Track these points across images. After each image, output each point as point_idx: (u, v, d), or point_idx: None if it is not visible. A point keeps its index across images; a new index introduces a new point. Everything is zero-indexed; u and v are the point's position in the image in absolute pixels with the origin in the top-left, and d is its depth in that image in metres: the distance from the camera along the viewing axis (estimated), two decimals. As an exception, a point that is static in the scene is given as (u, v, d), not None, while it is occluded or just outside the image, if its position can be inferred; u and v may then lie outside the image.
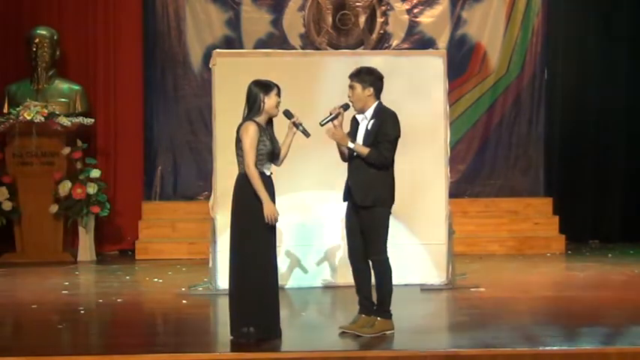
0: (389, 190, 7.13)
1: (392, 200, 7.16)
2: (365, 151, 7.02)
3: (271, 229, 6.90)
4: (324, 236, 9.13)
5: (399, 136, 7.11)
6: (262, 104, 6.89)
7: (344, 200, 7.24)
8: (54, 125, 10.99)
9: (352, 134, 7.16)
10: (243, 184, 6.90)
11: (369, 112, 7.12)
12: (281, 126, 7.09)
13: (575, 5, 12.17)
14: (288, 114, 7.06)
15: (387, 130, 7.05)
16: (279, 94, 6.96)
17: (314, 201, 9.05)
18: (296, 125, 7.04)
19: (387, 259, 7.13)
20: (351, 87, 7.14)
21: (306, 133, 7.04)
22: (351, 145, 7.04)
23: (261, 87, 6.94)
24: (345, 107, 7.17)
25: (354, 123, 7.20)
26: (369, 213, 7.06)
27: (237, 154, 6.91)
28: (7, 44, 11.76)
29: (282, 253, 8.84)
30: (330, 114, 7.14)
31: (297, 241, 9.09)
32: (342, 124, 7.15)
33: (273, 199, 6.89)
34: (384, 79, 7.21)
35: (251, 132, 6.82)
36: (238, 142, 6.89)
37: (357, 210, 7.12)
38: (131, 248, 11.55)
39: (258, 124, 6.88)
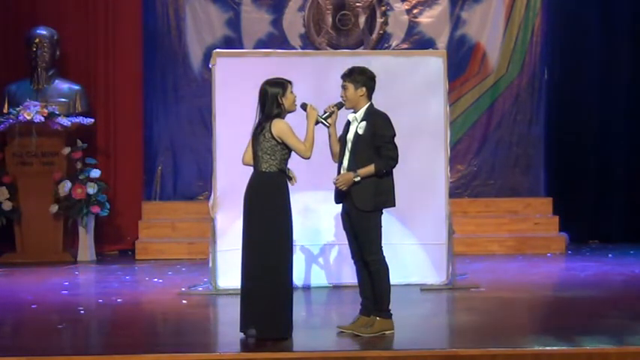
0: (391, 193, 7.13)
1: (393, 202, 7.17)
2: (372, 169, 7.01)
3: (288, 230, 6.92)
4: (324, 236, 9.13)
5: (394, 135, 7.11)
6: (282, 104, 6.95)
7: (336, 202, 7.24)
8: (54, 125, 10.99)
9: (344, 134, 7.20)
10: (264, 181, 6.94)
11: (360, 114, 7.14)
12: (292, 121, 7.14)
13: (575, 5, 12.17)
14: (304, 107, 7.11)
15: (382, 131, 7.06)
16: (292, 90, 7.05)
17: (314, 201, 9.04)
18: (324, 120, 7.11)
19: (382, 258, 7.11)
20: (344, 87, 7.18)
21: (325, 124, 7.12)
22: (357, 178, 7.02)
23: (277, 86, 7.00)
24: (339, 106, 7.21)
25: (347, 123, 7.23)
26: (362, 216, 7.05)
27: (265, 152, 6.92)
28: (7, 44, 11.76)
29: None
30: (325, 112, 7.18)
31: (297, 241, 9.07)
32: (335, 122, 7.20)
33: (288, 199, 6.97)
34: (382, 79, 7.24)
35: (287, 127, 6.92)
36: (270, 140, 6.91)
37: (349, 213, 7.12)
38: (131, 248, 11.54)
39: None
